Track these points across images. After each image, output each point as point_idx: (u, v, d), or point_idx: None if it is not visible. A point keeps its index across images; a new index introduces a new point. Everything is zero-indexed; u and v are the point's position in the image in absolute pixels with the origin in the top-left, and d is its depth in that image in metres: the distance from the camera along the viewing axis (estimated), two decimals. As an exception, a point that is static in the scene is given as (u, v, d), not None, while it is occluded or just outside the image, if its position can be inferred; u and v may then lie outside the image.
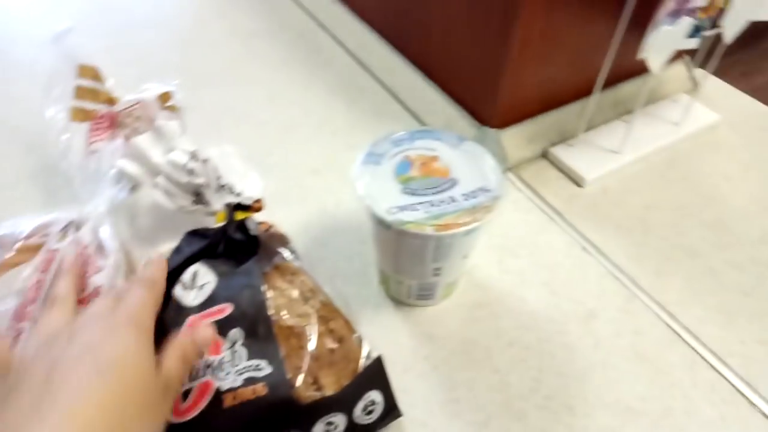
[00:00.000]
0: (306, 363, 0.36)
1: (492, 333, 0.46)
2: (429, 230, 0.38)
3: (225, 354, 0.36)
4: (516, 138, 0.60)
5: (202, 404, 0.34)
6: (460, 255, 0.43)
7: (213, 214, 0.43)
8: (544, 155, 0.63)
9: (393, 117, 0.69)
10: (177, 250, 0.41)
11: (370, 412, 0.38)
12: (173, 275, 0.39)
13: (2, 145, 0.64)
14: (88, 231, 0.44)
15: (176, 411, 0.34)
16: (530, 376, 0.44)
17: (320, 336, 0.38)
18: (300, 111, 0.69)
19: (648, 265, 0.51)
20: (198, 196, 0.44)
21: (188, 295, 0.38)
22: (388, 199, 0.40)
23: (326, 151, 0.64)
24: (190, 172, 0.43)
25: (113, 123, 0.54)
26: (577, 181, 0.60)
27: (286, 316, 0.38)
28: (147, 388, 0.30)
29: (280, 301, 0.39)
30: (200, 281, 0.39)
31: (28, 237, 0.42)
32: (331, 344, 0.38)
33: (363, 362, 0.38)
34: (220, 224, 0.42)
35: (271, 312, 0.38)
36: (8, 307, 0.37)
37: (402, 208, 0.39)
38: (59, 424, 0.26)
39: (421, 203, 0.40)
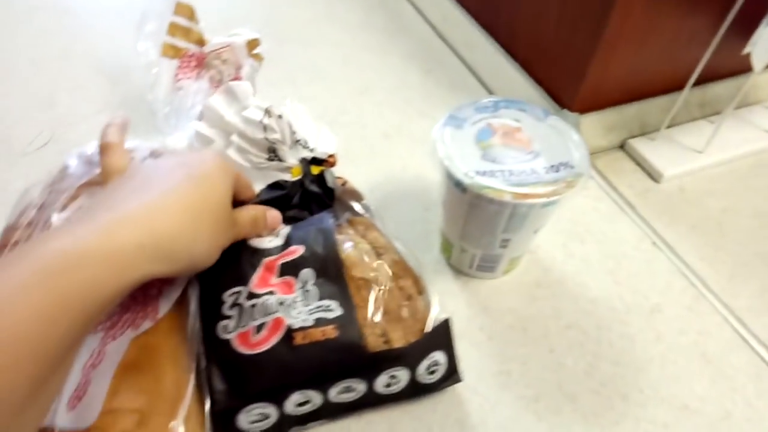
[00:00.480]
0: (376, 314, 0.37)
1: (550, 313, 0.46)
2: (507, 197, 0.38)
3: (297, 293, 0.36)
4: (595, 125, 0.59)
5: (274, 340, 0.35)
6: (532, 229, 0.42)
7: (288, 169, 0.44)
8: (622, 146, 0.61)
9: (469, 91, 0.68)
10: (256, 197, 0.42)
11: (432, 372, 0.38)
12: None
13: (89, 76, 0.66)
14: (171, 161, 0.45)
15: (248, 343, 0.35)
16: (586, 360, 0.43)
17: (390, 291, 0.38)
18: (375, 75, 0.70)
19: (721, 269, 0.50)
20: (272, 152, 0.44)
21: (263, 240, 0.39)
22: (467, 162, 0.40)
23: (398, 117, 0.64)
24: (265, 128, 0.43)
25: (200, 63, 0.56)
26: (653, 176, 0.58)
27: (357, 269, 0.38)
28: (222, 210, 0.34)
29: (352, 253, 0.39)
30: (276, 229, 0.40)
31: (115, 158, 0.44)
32: (401, 301, 0.38)
33: (431, 322, 0.38)
34: (297, 178, 0.43)
35: (343, 262, 0.38)
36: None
37: (480, 173, 0.39)
38: (152, 201, 0.30)
39: (500, 171, 0.39)
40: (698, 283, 0.48)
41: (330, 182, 0.43)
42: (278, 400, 0.35)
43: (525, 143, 0.42)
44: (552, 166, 0.40)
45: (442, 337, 0.38)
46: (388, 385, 0.37)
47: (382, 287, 0.38)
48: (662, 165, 0.57)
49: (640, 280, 0.49)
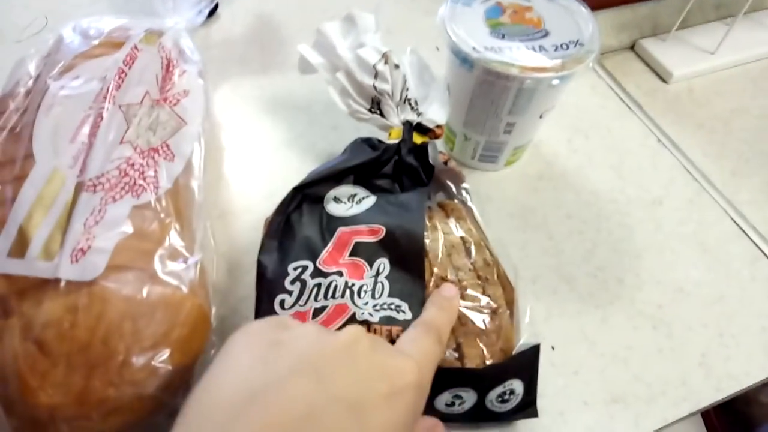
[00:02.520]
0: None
1: (551, 203, 0.46)
2: (514, 71, 0.37)
3: (366, 281, 0.32)
4: (606, 23, 0.57)
5: (335, 326, 0.31)
6: (537, 112, 0.41)
7: (387, 128, 0.39)
8: (632, 47, 0.60)
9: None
10: (343, 154, 0.38)
11: (504, 401, 0.32)
12: (332, 178, 0.36)
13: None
14: (169, 39, 0.44)
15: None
16: (585, 247, 0.44)
17: (473, 299, 0.33)
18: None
19: (724, 165, 0.49)
20: (376, 104, 0.38)
21: (341, 206, 0.35)
22: (475, 38, 0.39)
23: (403, 14, 0.62)
24: (377, 75, 0.37)
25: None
26: (663, 76, 0.56)
27: (439, 265, 0.33)
28: None
29: (437, 245, 0.34)
30: (358, 196, 0.36)
31: (110, 33, 0.43)
32: (484, 312, 0.32)
33: (517, 345, 0.32)
34: (394, 141, 0.37)
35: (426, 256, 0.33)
36: (91, 89, 0.38)
37: (488, 49, 0.38)
38: None
39: (508, 47, 0.38)
40: (701, 178, 0.48)
41: (432, 157, 0.37)
42: None
43: (535, 23, 0.40)
44: (562, 45, 0.39)
45: (526, 365, 0.32)
46: (451, 404, 0.32)
47: (465, 292, 0.33)
48: (672, 65, 0.56)
49: (643, 175, 0.48)
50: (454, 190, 0.38)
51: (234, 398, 0.21)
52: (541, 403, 0.35)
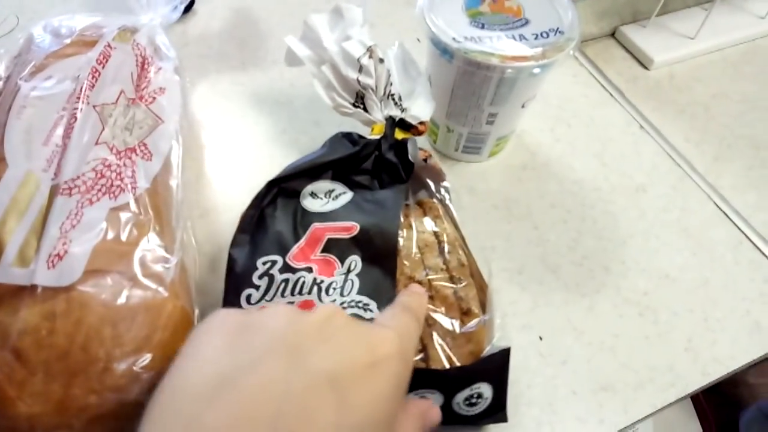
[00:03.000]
0: None
1: (535, 193, 0.46)
2: (495, 60, 0.36)
3: (337, 278, 0.32)
4: (586, 11, 0.57)
5: None
6: (519, 102, 0.41)
7: (369, 123, 0.38)
8: (613, 34, 0.59)
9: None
10: (322, 148, 0.37)
11: (472, 405, 0.31)
12: (309, 172, 0.36)
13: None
14: (144, 36, 0.43)
15: None
16: (569, 236, 0.43)
17: (444, 299, 0.32)
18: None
19: (707, 150, 0.50)
20: (360, 98, 0.38)
21: (317, 202, 0.35)
22: (455, 29, 0.38)
23: (385, 6, 0.61)
24: (361, 69, 0.36)
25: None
26: (644, 63, 0.56)
27: (411, 265, 0.33)
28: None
29: (411, 243, 0.34)
30: (335, 192, 0.36)
31: (83, 31, 0.42)
32: (454, 313, 0.32)
33: (487, 348, 0.31)
34: (375, 137, 0.37)
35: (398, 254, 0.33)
36: (64, 89, 0.37)
37: (468, 39, 0.38)
38: None
39: (488, 37, 0.38)
40: (683, 163, 0.49)
41: (411, 154, 0.36)
42: None
43: (515, 12, 0.40)
44: (542, 33, 0.38)
45: (495, 369, 0.31)
46: None
47: (434, 293, 0.32)
48: (652, 51, 0.56)
49: (625, 162, 0.48)
50: (433, 188, 0.38)
51: (202, 386, 0.20)
52: (530, 393, 0.35)
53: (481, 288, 0.34)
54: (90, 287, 0.30)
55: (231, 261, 0.33)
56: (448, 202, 0.37)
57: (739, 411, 0.87)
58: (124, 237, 0.33)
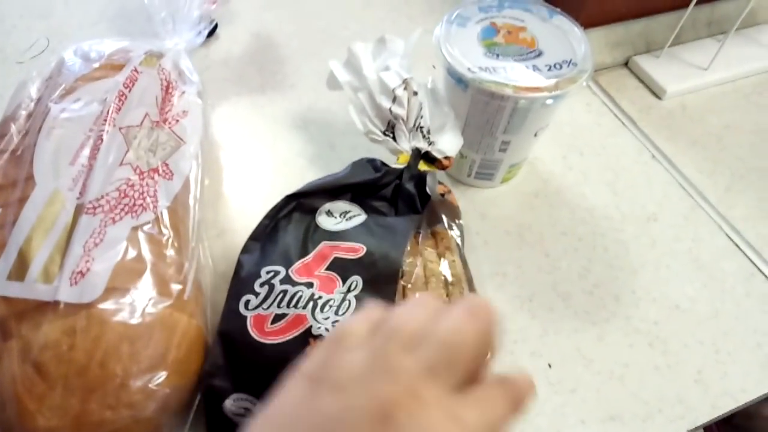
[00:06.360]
0: None
1: (547, 221, 0.46)
2: (508, 91, 0.37)
3: (335, 296, 0.32)
4: (600, 41, 0.58)
5: (289, 336, 0.31)
6: (532, 131, 0.42)
7: (396, 152, 0.39)
8: (626, 64, 0.60)
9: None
10: (345, 170, 0.39)
11: None
12: (329, 191, 0.37)
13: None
14: (169, 61, 0.45)
15: (261, 329, 0.32)
16: (580, 264, 0.44)
17: None
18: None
19: (719, 181, 0.50)
20: (390, 127, 0.39)
21: (331, 220, 0.36)
22: (470, 59, 0.39)
23: (400, 32, 0.62)
24: (395, 99, 0.37)
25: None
26: (656, 93, 0.57)
27: (412, 289, 0.33)
28: None
29: (419, 272, 0.34)
30: (350, 213, 0.37)
31: (111, 56, 0.43)
32: None
33: None
34: (399, 166, 0.38)
35: (403, 279, 0.33)
36: (91, 112, 0.39)
37: (482, 69, 0.39)
38: None
39: (503, 67, 0.39)
40: (695, 194, 0.49)
41: (430, 187, 0.37)
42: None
43: (529, 43, 0.41)
44: (555, 64, 0.39)
45: None
46: None
47: None
48: (665, 82, 0.56)
49: (637, 192, 0.49)
50: (446, 223, 0.38)
51: None
52: (538, 421, 0.35)
53: None
54: (110, 305, 0.31)
55: (238, 266, 0.35)
56: (457, 239, 0.38)
57: (754, 445, 0.85)
58: (143, 256, 0.34)
